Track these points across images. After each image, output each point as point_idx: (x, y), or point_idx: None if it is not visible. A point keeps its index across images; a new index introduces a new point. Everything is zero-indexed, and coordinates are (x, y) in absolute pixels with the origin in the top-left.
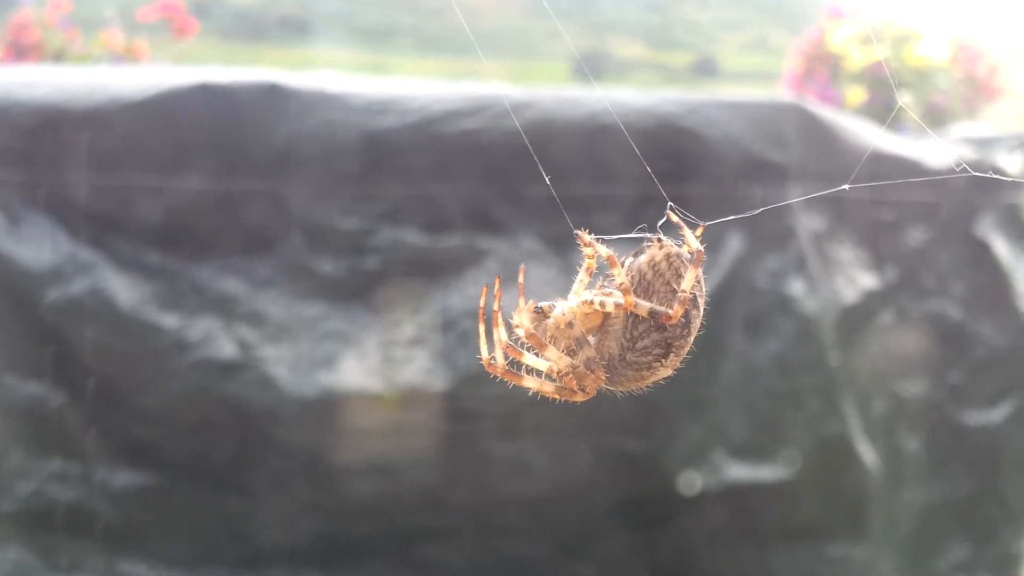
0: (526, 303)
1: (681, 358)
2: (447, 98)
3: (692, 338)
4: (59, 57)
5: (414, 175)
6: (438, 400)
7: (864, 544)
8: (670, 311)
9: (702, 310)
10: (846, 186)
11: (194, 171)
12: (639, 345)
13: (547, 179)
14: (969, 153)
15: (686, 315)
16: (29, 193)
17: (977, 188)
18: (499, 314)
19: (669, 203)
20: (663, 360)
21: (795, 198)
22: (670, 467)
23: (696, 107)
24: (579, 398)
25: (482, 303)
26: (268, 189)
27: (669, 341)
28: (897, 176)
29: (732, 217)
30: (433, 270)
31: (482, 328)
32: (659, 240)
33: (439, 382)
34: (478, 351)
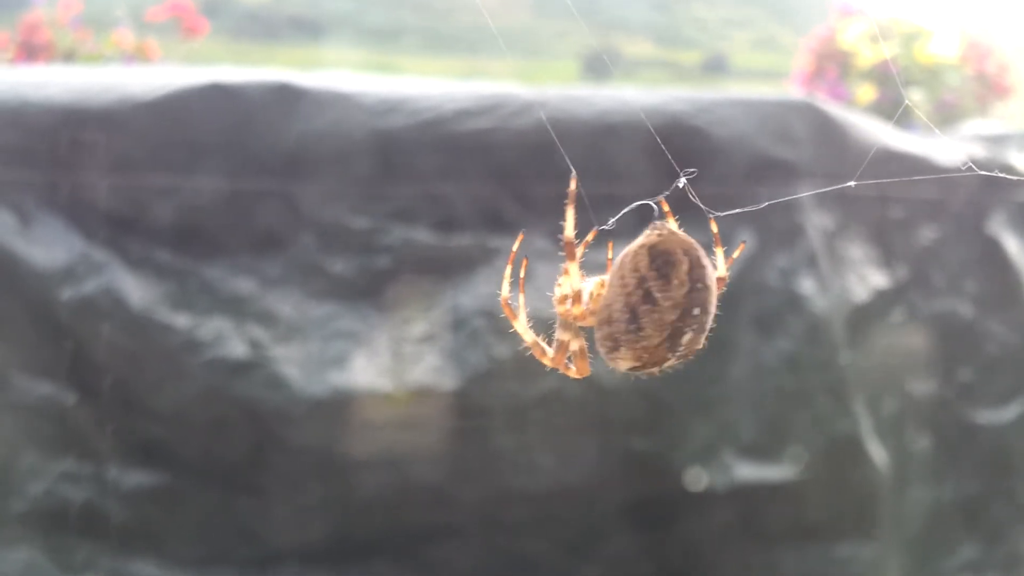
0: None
1: (642, 358)
2: (457, 97)
3: (649, 335)
4: (70, 57)
5: (424, 174)
6: (448, 398)
7: (873, 543)
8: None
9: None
10: (852, 183)
11: (205, 171)
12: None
13: (574, 172)
14: (980, 151)
15: (633, 313)
16: (41, 193)
17: (988, 186)
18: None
19: (682, 174)
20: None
21: (805, 195)
22: (679, 466)
23: (706, 105)
24: (570, 373)
25: (515, 247)
26: (279, 189)
27: (615, 336)
28: (908, 174)
29: (738, 211)
30: (444, 269)
31: (509, 270)
32: (656, 226)
33: (450, 380)
34: (499, 290)
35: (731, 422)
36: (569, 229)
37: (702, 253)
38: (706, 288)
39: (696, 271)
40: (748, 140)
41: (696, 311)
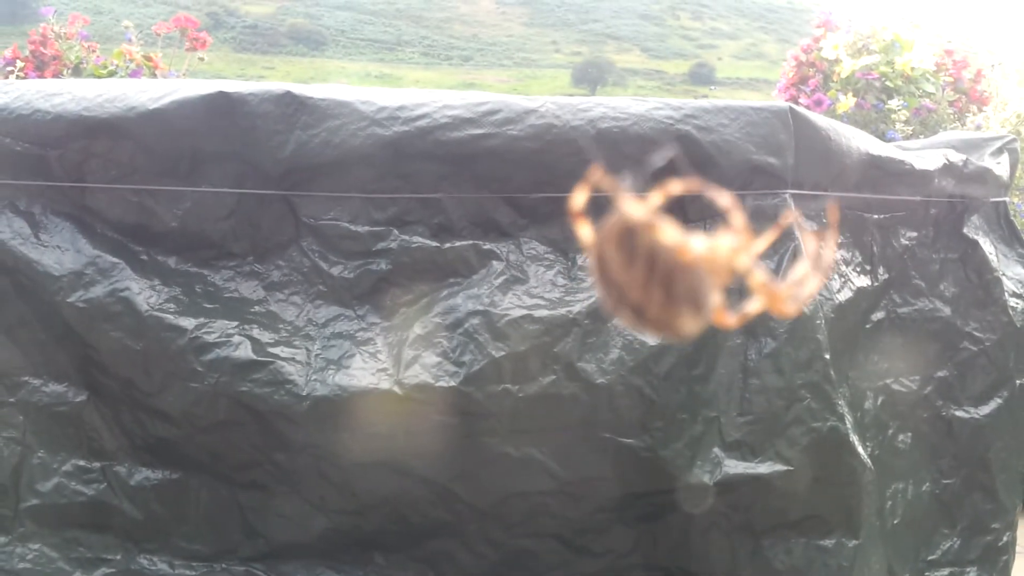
0: None
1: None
2: (453, 105)
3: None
4: (78, 69)
5: (422, 180)
6: (447, 397)
7: (857, 536)
8: None
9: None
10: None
11: (209, 177)
12: None
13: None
14: (957, 156)
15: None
16: (52, 200)
17: (965, 188)
18: None
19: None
20: None
21: (789, 201)
22: (669, 462)
23: (692, 112)
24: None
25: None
26: (281, 194)
27: None
28: (888, 180)
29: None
30: (441, 272)
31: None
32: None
33: (448, 379)
34: None
35: (719, 419)
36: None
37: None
38: None
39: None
40: (733, 146)
41: None
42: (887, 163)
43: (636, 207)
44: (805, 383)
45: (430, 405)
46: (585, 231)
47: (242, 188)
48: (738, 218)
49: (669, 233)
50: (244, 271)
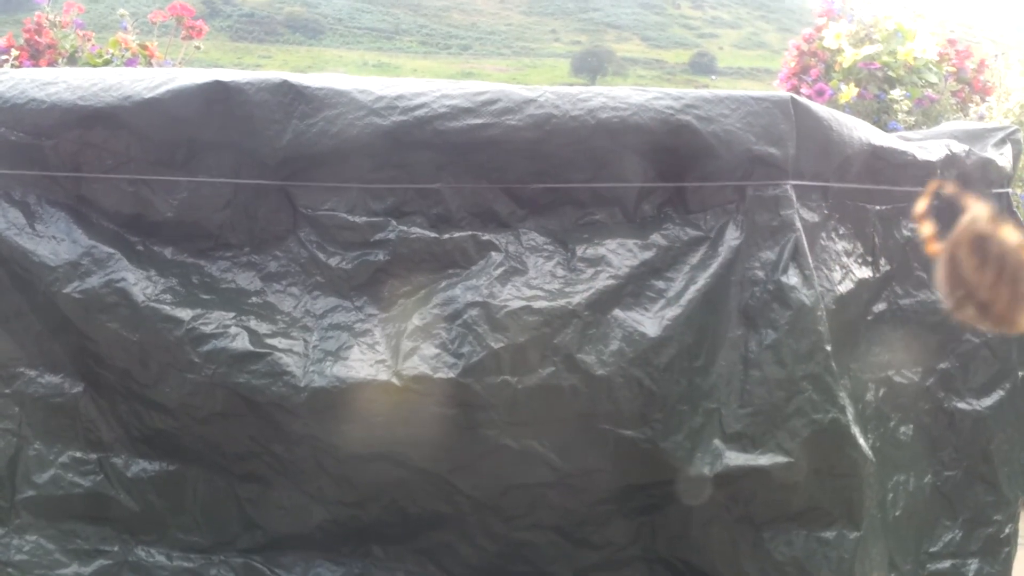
0: None
1: None
2: (452, 95)
3: None
4: (73, 58)
5: (420, 170)
6: (445, 389)
7: (858, 528)
8: None
9: None
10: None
11: (206, 167)
12: None
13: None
14: (959, 146)
15: None
16: (48, 190)
17: (967, 179)
18: None
19: None
20: None
21: (790, 191)
22: (670, 453)
23: (692, 102)
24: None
25: None
26: (278, 185)
27: None
28: (889, 170)
29: None
30: (439, 262)
31: None
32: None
33: (446, 370)
34: None
35: (720, 411)
36: None
37: None
38: None
39: None
40: (734, 136)
41: None
42: (889, 154)
43: (984, 214)
44: (806, 375)
45: (428, 396)
46: (929, 232)
47: (239, 178)
48: None
49: (1015, 235)
50: (241, 262)
